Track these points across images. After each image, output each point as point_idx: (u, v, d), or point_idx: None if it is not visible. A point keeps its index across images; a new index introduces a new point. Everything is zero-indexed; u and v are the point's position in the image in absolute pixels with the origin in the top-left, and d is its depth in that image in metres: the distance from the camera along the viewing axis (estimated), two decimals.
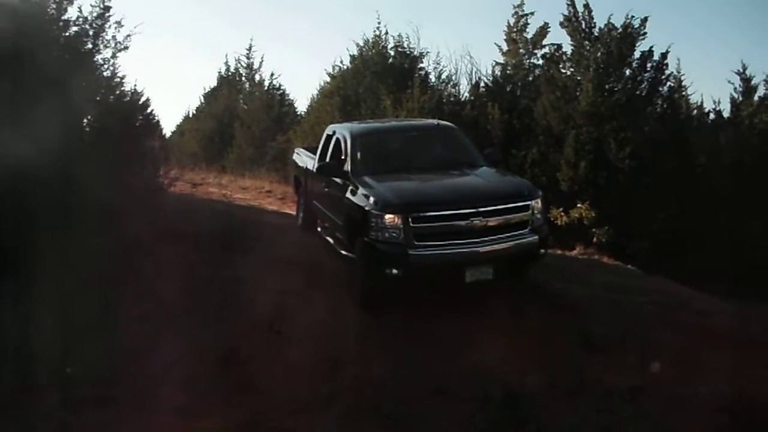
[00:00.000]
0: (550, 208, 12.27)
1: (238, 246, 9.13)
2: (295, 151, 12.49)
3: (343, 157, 9.19)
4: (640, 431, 5.71)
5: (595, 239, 11.98)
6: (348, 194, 8.35)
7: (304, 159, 11.35)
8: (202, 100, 27.48)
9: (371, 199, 7.75)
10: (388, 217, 7.48)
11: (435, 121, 11.07)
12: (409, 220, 7.44)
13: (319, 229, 10.36)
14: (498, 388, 6.03)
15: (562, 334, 7.31)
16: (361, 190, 8.10)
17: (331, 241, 9.46)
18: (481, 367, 6.52)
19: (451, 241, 7.51)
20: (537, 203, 7.97)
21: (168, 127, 25.46)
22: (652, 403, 6.06)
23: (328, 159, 9.76)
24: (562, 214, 12.34)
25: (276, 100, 24.75)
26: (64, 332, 6.47)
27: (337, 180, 8.91)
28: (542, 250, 8.06)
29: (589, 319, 7.36)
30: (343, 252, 8.64)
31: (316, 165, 10.03)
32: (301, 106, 25.10)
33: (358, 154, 8.96)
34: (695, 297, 9.18)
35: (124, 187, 7.97)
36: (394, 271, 7.50)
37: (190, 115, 28.13)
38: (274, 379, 6.52)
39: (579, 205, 12.28)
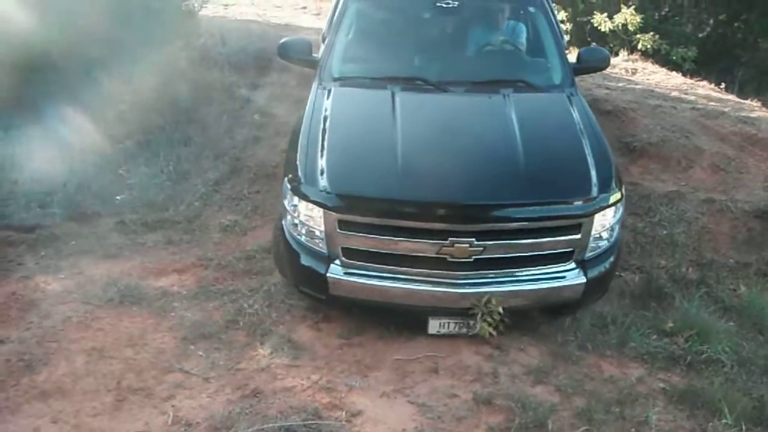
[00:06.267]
0: (594, 13, 11.86)
1: (275, 66, 9.02)
2: None
3: (324, 32, 6.05)
4: (675, 233, 5.81)
5: (639, 46, 11.60)
6: (308, 102, 5.03)
7: None
8: None
9: (299, 155, 4.45)
10: (305, 206, 4.23)
11: None
12: (338, 223, 4.14)
13: None
14: None
15: None
16: (308, 116, 4.77)
17: None
18: None
19: (408, 269, 4.16)
20: (605, 215, 4.27)
21: None
22: (688, 207, 6.14)
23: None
24: (606, 19, 11.90)
25: None
26: (110, 163, 6.65)
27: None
28: (590, 299, 4.46)
29: (630, 124, 7.27)
30: None
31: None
32: None
33: (343, 35, 5.55)
34: (739, 105, 9.00)
35: (152, 13, 7.79)
36: (308, 291, 4.45)
37: None
38: None
39: (624, 10, 11.77)
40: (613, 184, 4.34)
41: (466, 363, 4.12)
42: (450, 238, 4.03)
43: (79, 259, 5.25)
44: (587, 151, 4.47)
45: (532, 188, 4.23)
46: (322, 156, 4.32)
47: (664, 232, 5.85)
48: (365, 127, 4.79)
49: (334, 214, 4.11)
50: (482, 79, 5.22)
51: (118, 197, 6.29)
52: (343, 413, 3.64)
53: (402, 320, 4.41)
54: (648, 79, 9.89)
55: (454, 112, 4.98)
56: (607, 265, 4.39)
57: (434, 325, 4.28)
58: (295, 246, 4.35)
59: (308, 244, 4.29)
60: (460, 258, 4.08)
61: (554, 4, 5.96)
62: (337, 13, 5.70)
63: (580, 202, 4.22)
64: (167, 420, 3.57)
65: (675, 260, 5.52)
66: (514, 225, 4.15)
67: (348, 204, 4.14)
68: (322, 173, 4.22)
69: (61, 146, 6.46)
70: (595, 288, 4.36)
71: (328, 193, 4.14)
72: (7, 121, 6.66)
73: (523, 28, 5.93)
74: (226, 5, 13.04)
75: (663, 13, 12.32)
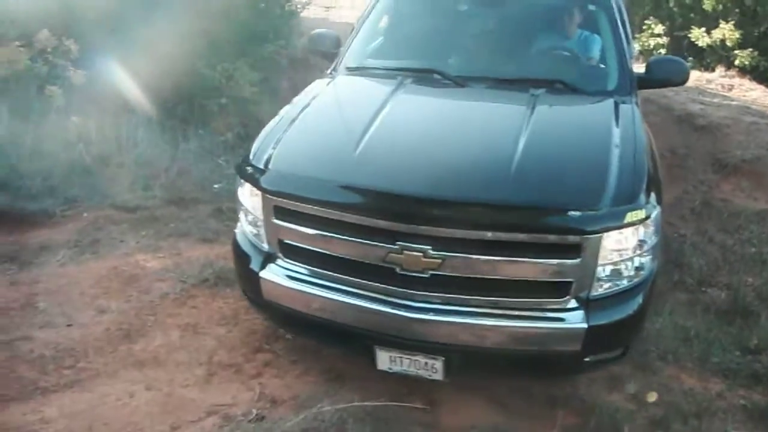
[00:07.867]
0: (691, 28, 11.67)
1: None
2: None
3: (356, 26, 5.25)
4: (764, 252, 5.71)
5: (737, 62, 11.36)
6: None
7: None
8: None
9: (259, 136, 3.92)
10: (249, 189, 3.61)
11: None
12: (274, 210, 3.45)
13: None
14: None
15: (695, 155, 7.23)
16: (293, 102, 4.35)
17: None
18: None
19: (350, 278, 3.32)
20: (621, 238, 3.12)
21: None
22: None
23: None
24: (704, 34, 11.69)
25: None
26: (210, 153, 6.93)
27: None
28: (596, 356, 3.35)
29: (724, 140, 7.17)
30: None
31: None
32: None
33: (368, 26, 5.11)
34: None
35: (258, 12, 8.09)
36: (248, 294, 3.84)
37: None
38: None
39: (722, 26, 11.54)
40: (640, 199, 3.21)
41: None
42: (398, 242, 3.12)
43: (177, 241, 5.49)
44: (612, 158, 3.40)
45: (514, 188, 3.23)
46: (281, 137, 3.73)
47: (753, 249, 5.77)
48: (347, 114, 4.08)
49: (269, 197, 3.43)
50: (511, 77, 4.36)
51: (216, 185, 6.52)
52: (422, 401, 3.74)
53: (344, 347, 3.72)
54: (744, 96, 9.72)
55: (458, 107, 4.21)
56: (624, 311, 3.25)
57: (384, 359, 3.39)
58: (239, 238, 3.81)
59: (252, 236, 3.69)
60: (412, 271, 3.14)
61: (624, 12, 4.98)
62: (368, 5, 5.22)
63: (578, 213, 3.09)
64: (254, 396, 3.72)
65: (763, 278, 5.42)
66: (483, 233, 3.09)
67: (283, 185, 3.42)
68: (271, 153, 3.61)
69: (164, 135, 6.76)
70: (601, 341, 3.25)
71: (266, 171, 3.50)
72: (118, 108, 6.99)
73: (596, 39, 4.86)
74: (327, 8, 13.33)
75: (763, 29, 12.00)
